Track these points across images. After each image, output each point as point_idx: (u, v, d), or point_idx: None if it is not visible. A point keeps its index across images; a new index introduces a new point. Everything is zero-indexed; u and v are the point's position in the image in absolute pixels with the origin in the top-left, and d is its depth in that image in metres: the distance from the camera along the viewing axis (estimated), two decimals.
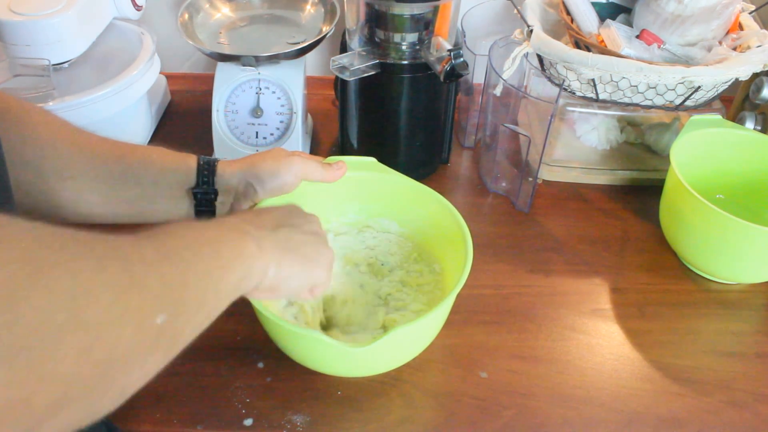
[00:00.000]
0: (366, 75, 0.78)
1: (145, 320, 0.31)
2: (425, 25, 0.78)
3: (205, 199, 0.60)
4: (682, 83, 0.78)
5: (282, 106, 0.87)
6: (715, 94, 0.82)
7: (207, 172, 0.60)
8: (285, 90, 0.87)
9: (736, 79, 0.78)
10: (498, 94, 0.84)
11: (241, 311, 0.70)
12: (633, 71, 0.76)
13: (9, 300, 0.24)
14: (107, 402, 0.30)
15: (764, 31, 0.82)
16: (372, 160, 0.71)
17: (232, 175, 0.61)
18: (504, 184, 0.89)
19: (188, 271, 0.36)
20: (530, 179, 0.85)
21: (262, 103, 0.87)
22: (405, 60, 0.79)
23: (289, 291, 0.49)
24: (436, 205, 0.68)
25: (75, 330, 0.26)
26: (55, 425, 0.27)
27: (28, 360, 0.24)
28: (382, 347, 0.54)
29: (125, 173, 0.57)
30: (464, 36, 0.86)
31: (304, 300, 0.58)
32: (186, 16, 0.88)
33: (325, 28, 0.87)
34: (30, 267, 0.25)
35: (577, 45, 0.84)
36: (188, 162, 0.60)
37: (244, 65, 0.84)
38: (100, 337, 0.27)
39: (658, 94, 0.80)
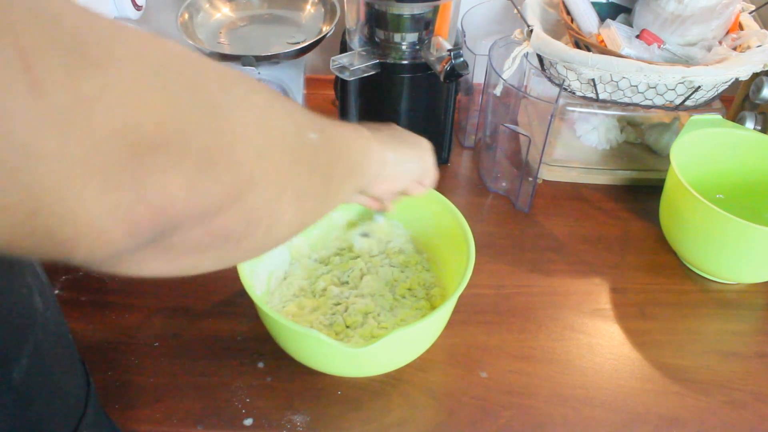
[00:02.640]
0: (366, 75, 0.78)
1: (301, 127, 0.34)
2: (425, 25, 0.78)
3: None
4: (682, 83, 0.78)
5: None
6: (715, 94, 0.82)
7: None
8: (285, 90, 0.86)
9: (736, 79, 0.78)
10: (498, 94, 0.84)
11: (242, 311, 0.70)
12: (633, 71, 0.76)
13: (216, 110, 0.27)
14: (288, 205, 0.32)
15: (764, 31, 0.82)
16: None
17: None
18: (504, 184, 0.89)
19: (327, 125, 0.39)
20: (530, 179, 0.85)
21: None
22: (405, 60, 0.79)
23: (406, 178, 0.55)
24: (439, 206, 0.68)
25: (251, 107, 0.29)
26: (252, 205, 0.29)
27: (218, 111, 0.27)
28: (383, 348, 0.54)
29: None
30: (464, 36, 0.86)
31: (415, 193, 0.61)
32: (186, 16, 0.88)
33: (325, 28, 0.87)
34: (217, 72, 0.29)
35: (577, 45, 0.84)
36: None
37: (244, 65, 0.84)
38: (269, 119, 0.31)
39: (658, 94, 0.80)
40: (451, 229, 0.67)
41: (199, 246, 0.28)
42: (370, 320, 0.66)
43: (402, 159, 0.53)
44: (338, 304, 0.68)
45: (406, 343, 0.59)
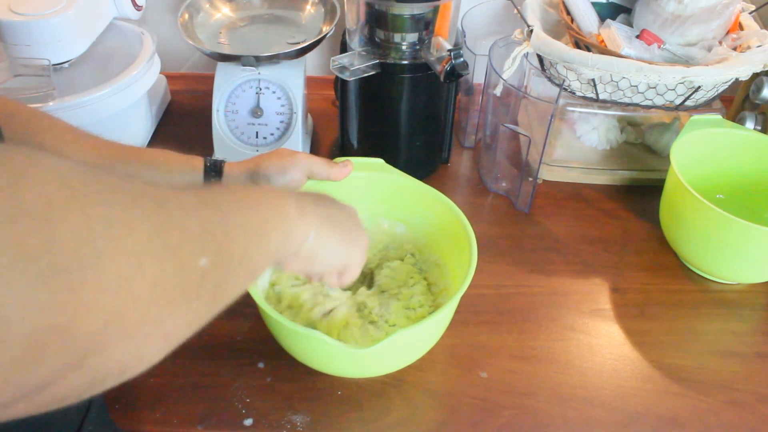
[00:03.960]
0: (366, 75, 0.78)
1: (187, 260, 0.30)
2: (425, 25, 0.78)
3: None
4: (682, 83, 0.78)
5: (282, 106, 0.87)
6: (715, 94, 0.82)
7: (214, 173, 0.60)
8: (285, 90, 0.86)
9: (736, 79, 0.78)
10: (498, 94, 0.84)
11: (242, 311, 0.70)
12: (633, 71, 0.76)
13: (46, 219, 0.23)
14: (152, 346, 0.29)
15: (764, 31, 0.82)
16: (380, 161, 0.71)
17: (239, 175, 0.61)
18: (504, 184, 0.89)
19: (229, 220, 0.35)
20: (530, 179, 0.85)
21: (262, 103, 0.87)
22: (405, 60, 0.79)
23: (324, 264, 0.48)
24: (441, 206, 0.68)
25: (115, 257, 0.25)
26: (99, 365, 0.26)
27: (68, 283, 0.24)
28: (386, 349, 0.54)
29: (131, 176, 0.57)
30: (464, 36, 0.86)
31: (331, 285, 0.55)
32: (186, 16, 0.88)
33: (325, 28, 0.87)
34: (66, 191, 0.25)
35: (577, 45, 0.84)
36: (195, 164, 0.60)
37: (244, 65, 0.84)
38: (140, 268, 0.27)
39: (658, 94, 0.80)
40: (453, 229, 0.67)
41: (54, 403, 0.27)
42: (373, 320, 0.67)
43: (326, 243, 0.46)
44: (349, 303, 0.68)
45: (408, 343, 0.59)
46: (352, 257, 0.51)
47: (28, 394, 0.24)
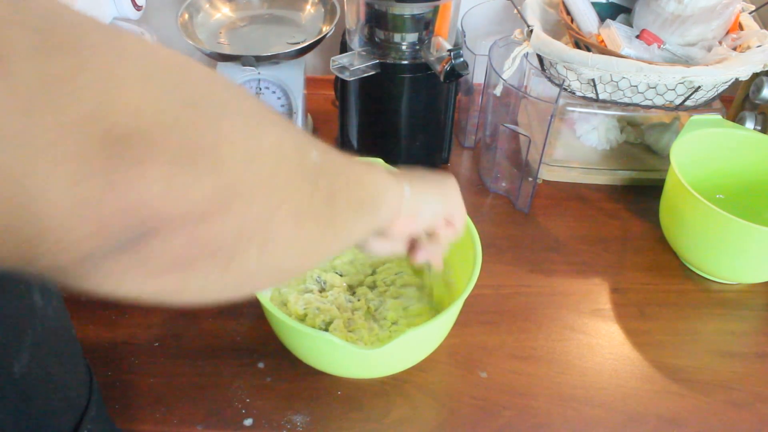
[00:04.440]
0: (366, 75, 0.78)
1: (302, 155, 0.31)
2: (425, 25, 0.78)
3: None
4: (682, 83, 0.78)
5: (282, 106, 0.87)
6: (715, 94, 0.82)
7: None
8: (285, 90, 0.86)
9: (736, 79, 0.78)
10: (498, 94, 0.84)
11: (242, 311, 0.70)
12: (633, 71, 0.76)
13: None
14: (278, 225, 0.29)
15: (764, 31, 0.82)
16: (379, 161, 0.71)
17: None
18: (504, 184, 0.89)
19: (330, 153, 0.36)
20: (530, 179, 0.85)
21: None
22: (405, 60, 0.79)
23: (429, 214, 0.48)
24: None
25: (245, 138, 0.27)
26: (231, 220, 0.26)
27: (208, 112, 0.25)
28: (395, 349, 0.53)
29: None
30: (464, 36, 0.86)
31: (445, 236, 0.53)
32: (186, 16, 0.88)
33: (325, 28, 0.87)
34: (232, 91, 0.28)
35: (577, 45, 0.84)
36: None
37: (244, 65, 0.84)
38: (262, 134, 0.29)
39: (658, 94, 0.80)
40: None
41: (182, 260, 0.25)
42: (377, 320, 0.67)
43: (422, 192, 0.47)
44: (350, 301, 0.68)
45: (416, 343, 0.59)
46: (451, 200, 0.51)
47: (187, 218, 0.24)
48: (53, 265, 0.22)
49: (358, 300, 0.69)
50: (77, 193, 0.20)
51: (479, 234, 0.64)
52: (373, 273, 0.72)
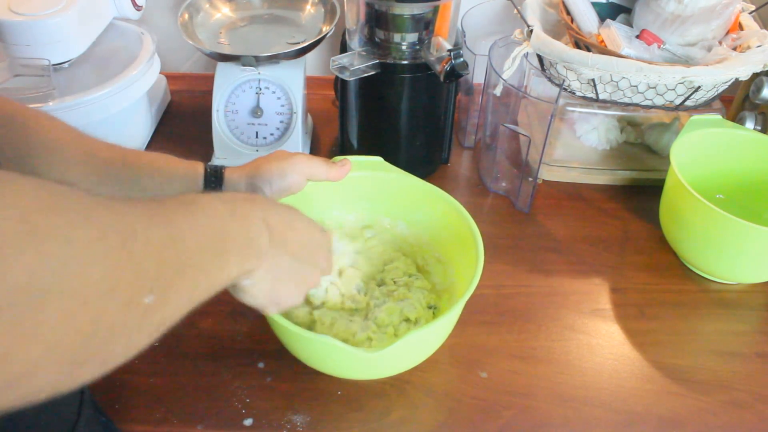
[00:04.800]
0: (366, 75, 0.78)
1: (133, 298, 0.31)
2: (425, 25, 0.78)
3: None
4: (682, 83, 0.78)
5: (282, 106, 0.88)
6: (715, 94, 0.82)
7: (214, 178, 0.60)
8: (285, 90, 0.87)
9: (736, 79, 0.78)
10: (498, 94, 0.84)
11: (242, 311, 0.70)
12: (633, 71, 0.76)
13: None
14: (87, 371, 0.30)
15: (764, 31, 0.82)
16: (378, 159, 0.71)
17: (239, 180, 0.60)
18: (504, 184, 0.89)
19: (188, 262, 0.35)
20: (530, 179, 0.85)
21: (262, 103, 0.87)
22: (405, 60, 0.79)
23: (257, 303, 0.48)
24: (444, 205, 0.68)
25: (60, 296, 0.26)
26: (31, 385, 0.27)
27: (11, 316, 0.25)
28: (395, 352, 0.53)
29: (131, 180, 0.56)
30: (464, 36, 0.86)
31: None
32: (186, 16, 0.88)
33: (325, 28, 0.87)
34: (25, 227, 0.26)
35: (577, 45, 0.84)
36: (196, 169, 0.60)
37: (244, 65, 0.84)
38: (84, 306, 0.28)
39: (658, 94, 0.80)
40: (457, 228, 0.66)
41: None
42: (378, 324, 0.66)
43: (262, 285, 0.46)
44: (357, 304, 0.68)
45: (418, 345, 0.59)
46: (283, 300, 0.49)
47: None
48: None
49: (365, 295, 0.69)
50: None
51: (480, 234, 0.64)
52: (383, 270, 0.72)
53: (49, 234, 0.26)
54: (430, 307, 0.68)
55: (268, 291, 0.46)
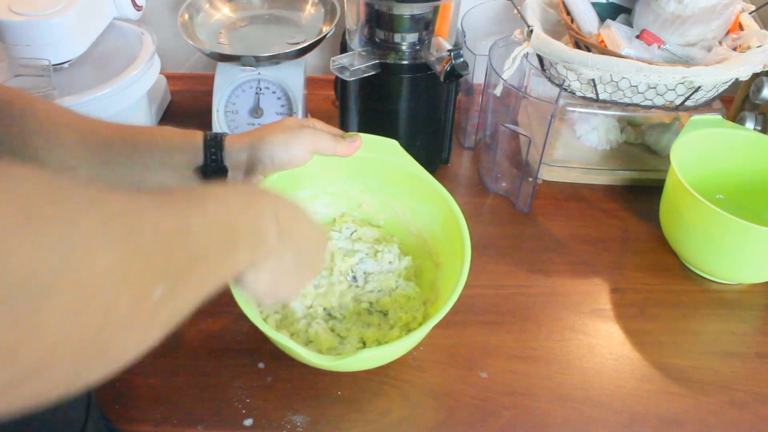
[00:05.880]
0: (366, 75, 0.78)
1: (143, 290, 0.29)
2: (425, 25, 0.78)
3: (215, 177, 0.58)
4: (682, 83, 0.78)
5: (282, 106, 0.88)
6: (715, 94, 0.82)
7: (214, 148, 0.58)
8: (285, 90, 0.87)
9: (736, 79, 0.78)
10: (498, 94, 0.84)
11: (242, 311, 0.70)
12: (633, 71, 0.76)
13: None
14: (97, 368, 0.29)
15: (764, 31, 0.82)
16: (394, 142, 0.69)
17: (240, 150, 0.59)
18: (504, 184, 0.89)
19: (199, 253, 0.34)
20: (530, 179, 0.85)
21: (262, 103, 0.87)
22: (405, 60, 0.79)
23: (255, 293, 0.47)
24: (445, 205, 0.68)
25: (64, 289, 0.25)
26: (40, 383, 0.26)
27: (14, 310, 0.23)
28: (355, 363, 0.54)
29: (131, 157, 0.55)
30: (464, 36, 0.86)
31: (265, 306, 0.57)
32: (186, 16, 0.88)
33: (325, 28, 0.87)
34: (22, 216, 0.24)
35: (577, 45, 0.84)
36: (195, 139, 0.58)
37: (244, 65, 0.84)
38: (91, 301, 0.26)
39: (658, 94, 0.80)
40: (451, 231, 0.66)
41: None
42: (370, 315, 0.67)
43: (264, 279, 0.45)
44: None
45: (380, 357, 0.60)
46: (281, 293, 0.49)
47: None
48: None
49: (358, 286, 0.69)
50: None
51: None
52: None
53: (50, 223, 0.25)
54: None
55: (268, 283, 0.46)
